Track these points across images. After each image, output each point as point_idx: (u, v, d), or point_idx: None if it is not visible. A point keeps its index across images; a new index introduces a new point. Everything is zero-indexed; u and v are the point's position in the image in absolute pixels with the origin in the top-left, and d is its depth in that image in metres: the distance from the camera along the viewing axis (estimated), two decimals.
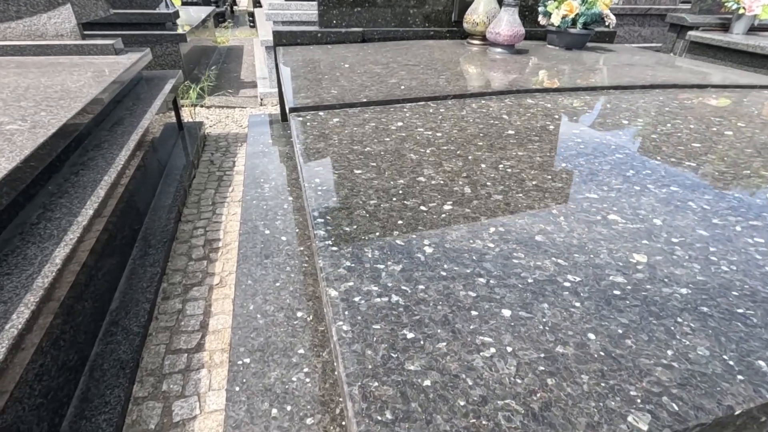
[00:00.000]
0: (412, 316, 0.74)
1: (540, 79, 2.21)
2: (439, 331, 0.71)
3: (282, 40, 2.93)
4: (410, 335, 0.70)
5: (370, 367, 0.64)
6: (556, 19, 2.91)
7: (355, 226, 0.99)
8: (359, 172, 1.25)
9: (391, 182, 1.19)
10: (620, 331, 0.70)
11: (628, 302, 0.76)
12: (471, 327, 0.71)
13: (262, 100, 4.19)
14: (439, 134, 1.54)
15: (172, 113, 3.08)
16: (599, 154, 1.39)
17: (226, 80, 4.77)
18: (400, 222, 1.00)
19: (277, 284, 1.69)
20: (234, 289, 1.65)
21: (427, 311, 0.75)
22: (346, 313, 0.75)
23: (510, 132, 1.56)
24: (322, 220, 1.01)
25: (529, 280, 0.82)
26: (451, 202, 1.09)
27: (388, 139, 1.50)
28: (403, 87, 2.03)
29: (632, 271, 0.84)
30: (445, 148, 1.43)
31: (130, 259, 1.76)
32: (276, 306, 1.58)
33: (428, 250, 0.91)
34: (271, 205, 2.17)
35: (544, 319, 0.73)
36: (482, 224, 1.00)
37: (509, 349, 0.67)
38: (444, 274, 0.84)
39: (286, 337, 1.46)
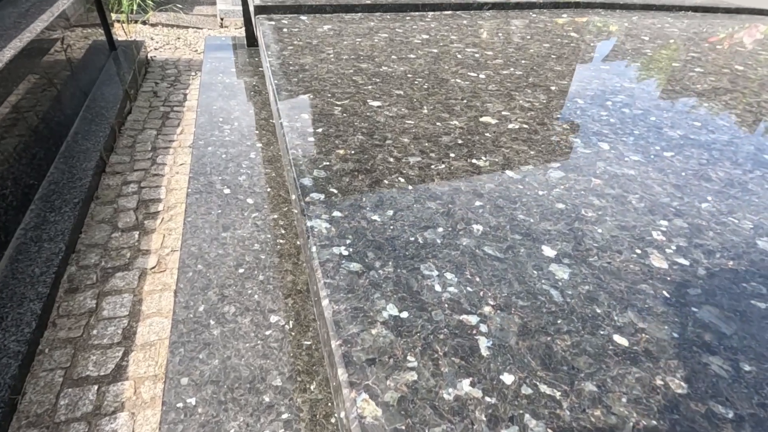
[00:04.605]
0: None
1: None
2: None
3: None
4: None
5: None
6: None
7: (390, 212, 0.48)
8: (377, 104, 0.72)
9: (438, 123, 0.67)
10: None
11: None
12: None
13: (222, 20, 3.40)
14: (489, 53, 1.00)
15: (100, 28, 2.34)
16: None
17: None
18: (478, 204, 0.50)
19: (241, 271, 1.18)
20: (177, 278, 1.13)
21: None
22: None
23: (593, 54, 1.04)
24: (322, 197, 0.49)
25: None
26: (558, 165, 0.58)
27: (413, 56, 0.95)
28: None
29: None
30: (507, 72, 0.90)
31: (18, 230, 1.19)
32: (239, 306, 1.08)
33: (564, 289, 0.41)
34: (233, 154, 1.60)
35: None
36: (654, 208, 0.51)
37: None
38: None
39: (254, 357, 0.97)
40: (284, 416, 0.88)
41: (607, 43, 1.14)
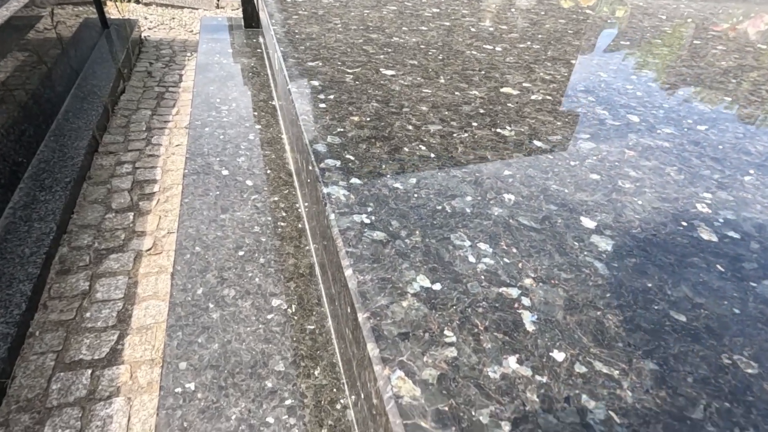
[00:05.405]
0: None
1: None
2: None
3: None
4: None
5: None
6: None
7: (413, 179, 0.44)
8: (390, 73, 0.67)
9: (456, 93, 0.62)
10: None
11: None
12: None
13: (218, 0, 3.30)
14: (504, 27, 0.95)
15: (92, 5, 2.25)
16: None
17: None
18: (507, 173, 0.46)
19: (240, 253, 1.13)
20: (173, 260, 1.08)
21: None
22: None
23: (612, 30, 1.00)
24: (338, 164, 0.45)
25: None
26: (587, 136, 0.55)
27: (424, 28, 0.90)
28: None
29: None
30: (524, 46, 0.85)
31: (7, 209, 1.14)
32: (239, 289, 1.04)
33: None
34: (231, 135, 1.55)
35: None
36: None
37: None
38: None
39: (255, 342, 0.93)
40: (287, 402, 0.85)
41: (625, 20, 1.10)
